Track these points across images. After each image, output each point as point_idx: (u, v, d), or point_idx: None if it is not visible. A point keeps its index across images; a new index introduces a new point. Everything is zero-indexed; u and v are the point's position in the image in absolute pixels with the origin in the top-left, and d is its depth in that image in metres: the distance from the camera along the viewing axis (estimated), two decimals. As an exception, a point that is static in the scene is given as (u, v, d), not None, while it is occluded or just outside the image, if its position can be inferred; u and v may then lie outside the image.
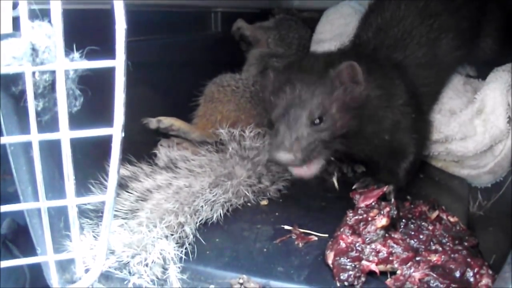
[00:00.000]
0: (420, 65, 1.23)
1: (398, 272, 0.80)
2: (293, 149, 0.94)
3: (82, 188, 0.93)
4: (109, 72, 0.53)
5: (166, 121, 1.34)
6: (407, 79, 1.18)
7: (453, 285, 0.74)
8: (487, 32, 1.40)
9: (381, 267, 0.81)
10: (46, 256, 0.61)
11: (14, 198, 0.70)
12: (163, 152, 1.21)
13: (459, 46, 1.29)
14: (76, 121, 0.56)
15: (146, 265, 0.80)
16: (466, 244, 0.83)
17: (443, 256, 0.80)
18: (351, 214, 0.88)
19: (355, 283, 0.79)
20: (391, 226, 0.86)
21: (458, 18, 1.29)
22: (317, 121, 0.97)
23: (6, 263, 0.57)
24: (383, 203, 0.88)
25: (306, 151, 0.95)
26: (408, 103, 1.13)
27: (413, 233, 0.86)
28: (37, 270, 0.81)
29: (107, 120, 0.56)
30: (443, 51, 1.27)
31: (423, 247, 0.84)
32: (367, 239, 0.83)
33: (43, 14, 0.54)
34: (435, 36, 1.25)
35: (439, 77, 1.31)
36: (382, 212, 0.85)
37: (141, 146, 1.23)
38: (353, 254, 0.82)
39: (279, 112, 1.00)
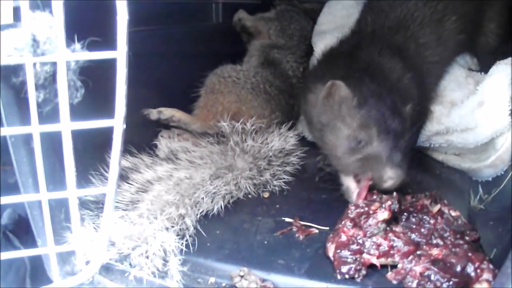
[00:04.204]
0: (423, 45, 1.24)
1: (399, 265, 0.80)
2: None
3: (83, 179, 0.93)
4: (111, 64, 0.53)
5: (167, 112, 1.33)
6: (409, 60, 1.19)
7: (454, 279, 0.74)
8: (490, 17, 1.40)
9: (382, 260, 0.81)
10: (47, 248, 0.61)
11: (14, 189, 0.70)
12: (164, 143, 1.21)
13: (462, 29, 1.30)
14: (77, 112, 0.56)
15: (147, 257, 0.80)
16: (467, 238, 0.83)
17: (444, 250, 0.80)
18: (352, 207, 0.88)
19: (356, 276, 0.79)
20: (393, 220, 0.86)
21: (462, 0, 1.30)
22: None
23: (6, 255, 0.57)
24: (384, 196, 0.89)
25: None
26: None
27: (414, 226, 0.86)
28: (37, 261, 0.81)
29: (108, 111, 0.55)
30: (447, 33, 1.28)
31: (424, 241, 0.84)
32: (368, 232, 0.83)
33: (44, 5, 0.54)
34: (438, 18, 1.26)
35: (443, 57, 1.32)
36: (383, 206, 0.85)
37: (141, 137, 1.22)
38: (354, 247, 0.82)
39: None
